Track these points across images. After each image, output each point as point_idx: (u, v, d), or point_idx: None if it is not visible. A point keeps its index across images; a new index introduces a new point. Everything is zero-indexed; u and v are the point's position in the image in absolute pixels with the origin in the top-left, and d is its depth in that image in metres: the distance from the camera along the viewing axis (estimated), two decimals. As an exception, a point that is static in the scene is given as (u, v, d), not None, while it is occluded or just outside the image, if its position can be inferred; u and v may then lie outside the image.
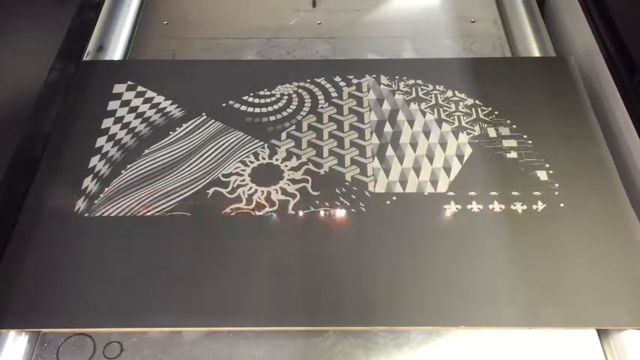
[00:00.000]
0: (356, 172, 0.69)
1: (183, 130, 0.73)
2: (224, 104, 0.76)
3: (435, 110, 0.75)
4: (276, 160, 0.70)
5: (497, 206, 0.65)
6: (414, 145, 0.71)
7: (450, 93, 0.77)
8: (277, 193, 0.67)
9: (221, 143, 0.72)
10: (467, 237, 0.63)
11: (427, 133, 0.73)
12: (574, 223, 0.64)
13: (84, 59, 0.83)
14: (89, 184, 0.68)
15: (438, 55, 0.86)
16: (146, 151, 0.71)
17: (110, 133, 0.73)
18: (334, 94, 0.77)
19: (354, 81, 0.79)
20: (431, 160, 0.70)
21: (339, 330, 0.58)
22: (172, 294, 0.59)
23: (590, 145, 0.70)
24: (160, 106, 0.76)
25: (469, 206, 0.65)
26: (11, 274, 0.61)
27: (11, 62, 0.70)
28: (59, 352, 0.57)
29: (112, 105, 0.76)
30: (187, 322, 0.58)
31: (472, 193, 0.66)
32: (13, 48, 0.71)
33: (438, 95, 0.77)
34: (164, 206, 0.66)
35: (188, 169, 0.69)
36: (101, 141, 0.72)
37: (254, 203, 0.66)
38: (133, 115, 0.75)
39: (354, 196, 0.66)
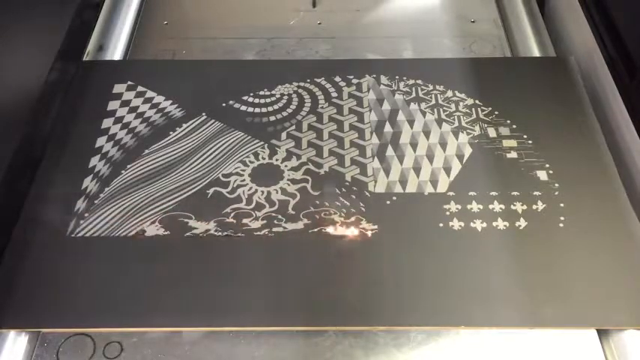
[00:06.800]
0: (356, 172, 0.69)
1: (183, 130, 0.73)
2: (224, 104, 0.76)
3: (435, 110, 0.75)
4: (276, 160, 0.70)
5: (497, 206, 0.65)
6: (414, 145, 0.71)
7: (450, 93, 0.77)
8: (277, 193, 0.67)
9: (221, 143, 0.72)
10: (467, 237, 0.63)
11: (427, 133, 0.73)
12: (574, 223, 0.64)
13: (84, 59, 0.83)
14: (89, 184, 0.68)
15: (438, 55, 0.86)
16: (146, 151, 0.71)
17: (110, 133, 0.73)
18: (334, 94, 0.77)
19: (354, 81, 0.79)
20: (431, 160, 0.70)
21: (339, 330, 0.58)
22: (172, 294, 0.59)
23: (590, 145, 0.70)
24: (160, 106, 0.76)
25: (469, 206, 0.65)
26: (11, 275, 0.60)
27: (11, 62, 0.70)
28: (59, 352, 0.57)
29: (112, 105, 0.76)
30: (187, 322, 0.58)
31: (472, 193, 0.66)
32: (13, 48, 0.71)
33: (438, 95, 0.77)
34: (164, 206, 0.66)
35: (188, 169, 0.69)
36: (101, 141, 0.72)
37: (254, 203, 0.66)
38: (133, 115, 0.75)
39: (354, 196, 0.67)
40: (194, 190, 0.67)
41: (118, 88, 0.77)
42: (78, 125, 0.73)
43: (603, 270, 0.60)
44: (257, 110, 0.75)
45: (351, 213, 0.65)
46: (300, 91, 0.78)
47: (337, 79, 0.79)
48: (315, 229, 0.64)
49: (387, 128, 0.73)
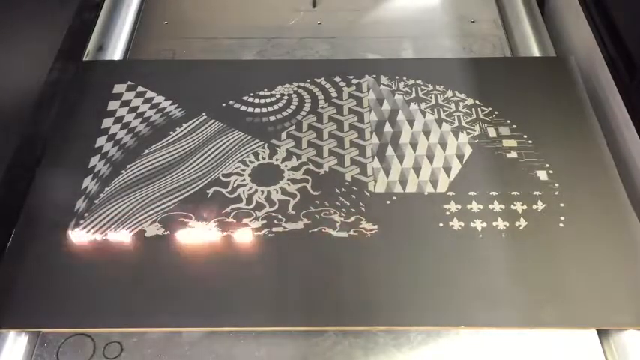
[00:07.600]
0: (356, 172, 0.69)
1: (183, 130, 0.73)
2: (224, 104, 0.76)
3: (435, 110, 0.75)
4: (276, 160, 0.70)
5: (497, 206, 0.65)
6: (414, 145, 0.71)
7: (450, 93, 0.77)
8: (277, 193, 0.67)
9: (221, 143, 0.72)
10: (467, 237, 0.63)
11: (427, 133, 0.73)
12: (574, 223, 0.64)
13: (84, 59, 0.83)
14: (89, 184, 0.68)
15: (438, 55, 0.86)
16: (146, 151, 0.71)
17: (110, 133, 0.73)
18: (334, 94, 0.77)
19: (354, 81, 0.79)
20: (431, 160, 0.70)
21: (339, 330, 0.58)
22: (172, 294, 0.59)
23: (590, 145, 0.70)
24: (160, 106, 0.76)
25: (469, 206, 0.65)
26: (11, 274, 0.61)
27: (11, 62, 0.70)
28: (59, 352, 0.57)
29: (112, 105, 0.76)
30: (187, 322, 0.58)
31: (472, 193, 0.66)
32: (13, 48, 0.71)
33: (438, 95, 0.77)
34: (164, 206, 0.66)
35: (188, 169, 0.69)
36: (101, 141, 0.72)
37: (254, 203, 0.66)
38: (133, 115, 0.75)
39: (354, 196, 0.66)
40: (194, 190, 0.67)
41: (118, 88, 0.77)
42: (78, 125, 0.73)
43: (603, 270, 0.60)
44: (257, 110, 0.75)
45: (351, 213, 0.65)
46: (300, 91, 0.78)
47: (337, 79, 0.79)
48: (315, 229, 0.64)
49: (387, 128, 0.73)
